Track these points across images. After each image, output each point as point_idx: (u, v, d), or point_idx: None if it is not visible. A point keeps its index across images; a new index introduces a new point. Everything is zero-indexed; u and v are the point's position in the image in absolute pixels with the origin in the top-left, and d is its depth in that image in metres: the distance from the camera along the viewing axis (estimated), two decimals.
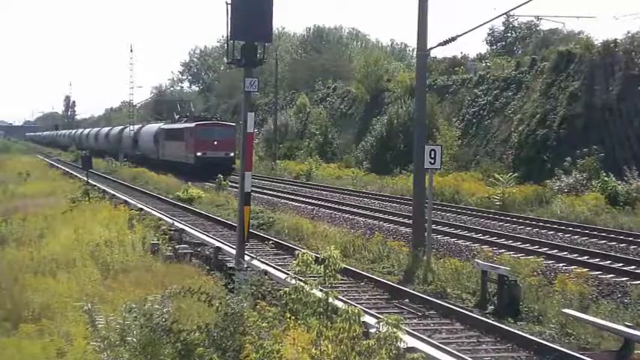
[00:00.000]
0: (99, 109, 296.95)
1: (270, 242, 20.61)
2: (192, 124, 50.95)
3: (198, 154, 48.52)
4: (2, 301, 12.36)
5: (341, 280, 16.24)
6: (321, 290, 8.32)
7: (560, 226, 24.76)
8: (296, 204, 32.10)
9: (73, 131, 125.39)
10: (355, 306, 8.97)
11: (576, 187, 30.63)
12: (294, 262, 8.52)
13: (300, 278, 8.37)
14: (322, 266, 8.23)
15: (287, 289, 8.45)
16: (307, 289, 8.23)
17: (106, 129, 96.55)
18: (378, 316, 10.61)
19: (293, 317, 8.03)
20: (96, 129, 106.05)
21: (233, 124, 53.59)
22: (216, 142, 48.63)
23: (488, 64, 51.35)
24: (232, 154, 48.85)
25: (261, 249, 20.24)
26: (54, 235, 17.97)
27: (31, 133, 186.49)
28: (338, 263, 8.26)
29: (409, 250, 18.10)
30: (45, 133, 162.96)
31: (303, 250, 8.76)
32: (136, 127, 76.87)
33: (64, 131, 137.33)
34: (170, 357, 7.99)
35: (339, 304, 8.88)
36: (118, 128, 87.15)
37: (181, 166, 51.17)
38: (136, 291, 10.98)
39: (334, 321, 7.73)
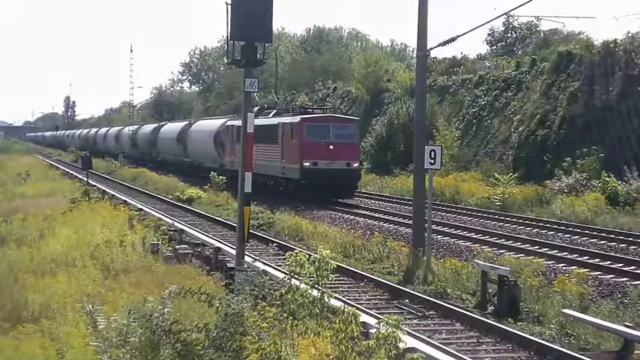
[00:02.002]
0: (99, 109, 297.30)
1: (275, 245, 20.58)
2: (296, 118, 34.06)
3: (306, 164, 32.19)
4: (2, 301, 12.36)
5: (341, 280, 16.32)
6: (318, 290, 8.32)
7: (560, 227, 24.74)
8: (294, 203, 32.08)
9: (78, 131, 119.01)
10: (354, 306, 9.00)
11: (576, 188, 30.62)
12: (287, 262, 8.52)
13: (297, 277, 8.37)
14: (314, 267, 8.22)
15: (282, 290, 8.45)
16: (302, 289, 8.22)
17: (117, 129, 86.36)
18: (378, 316, 10.61)
19: (291, 318, 8.04)
20: (104, 129, 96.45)
21: (356, 117, 38.57)
22: (332, 147, 32.55)
23: (498, 62, 51.29)
24: (356, 164, 33.73)
25: (261, 249, 20.24)
26: (54, 235, 17.96)
27: (32, 134, 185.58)
28: (330, 263, 8.25)
29: (409, 250, 18.10)
30: (47, 133, 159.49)
31: (296, 250, 8.77)
32: (150, 126, 69.49)
33: (69, 131, 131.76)
34: (170, 357, 7.99)
35: (337, 304, 8.88)
36: (129, 128, 78.20)
37: (265, 181, 35.75)
38: (136, 291, 10.97)
39: (332, 321, 7.73)
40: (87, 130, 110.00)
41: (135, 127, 76.28)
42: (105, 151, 78.32)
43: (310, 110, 36.71)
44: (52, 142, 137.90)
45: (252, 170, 39.45)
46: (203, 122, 53.38)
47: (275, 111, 39.27)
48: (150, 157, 64.58)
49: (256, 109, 42.97)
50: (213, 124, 48.04)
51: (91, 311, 8.71)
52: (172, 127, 59.56)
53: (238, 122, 43.03)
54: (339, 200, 33.11)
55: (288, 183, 34.17)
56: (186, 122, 57.31)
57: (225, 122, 44.74)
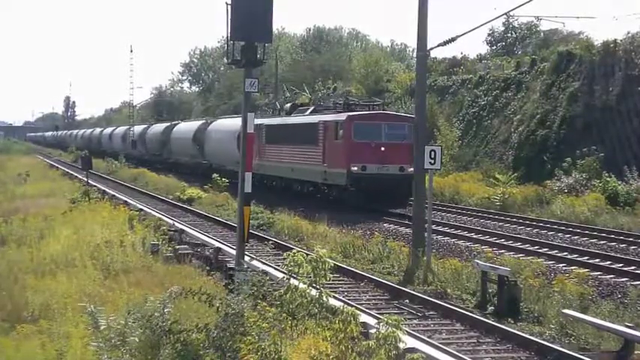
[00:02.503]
0: (99, 109, 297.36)
1: (270, 242, 20.60)
2: (341, 116, 29.66)
3: (354, 168, 28.16)
4: (2, 301, 12.36)
5: (341, 280, 16.32)
6: (316, 289, 8.32)
7: (560, 227, 24.75)
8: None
9: (81, 131, 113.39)
10: (354, 306, 8.99)
11: (576, 188, 30.63)
12: (285, 262, 8.52)
13: (295, 277, 8.37)
14: (310, 267, 8.21)
15: (281, 290, 8.45)
16: (300, 289, 8.22)
17: (124, 129, 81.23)
18: (378, 316, 10.61)
19: (290, 318, 8.04)
20: (110, 129, 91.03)
21: (410, 115, 31.48)
22: (383, 148, 28.54)
23: (500, 62, 51.28)
24: (411, 169, 24.99)
25: (261, 249, 20.25)
26: (54, 235, 17.97)
27: (33, 134, 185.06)
28: (327, 262, 8.25)
29: (409, 250, 18.10)
30: (48, 133, 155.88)
31: (294, 250, 8.77)
32: (160, 125, 65.12)
33: (70, 131, 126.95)
34: (170, 357, 7.99)
35: (336, 303, 8.88)
36: (137, 127, 73.80)
37: (302, 187, 33.12)
38: (136, 291, 10.98)
39: (332, 321, 7.73)
40: (90, 130, 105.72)
41: (144, 126, 72.63)
42: (111, 152, 75.01)
43: (356, 106, 31.54)
44: (53, 142, 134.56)
45: (280, 174, 33.20)
46: (224, 121, 48.15)
47: (312, 108, 35.03)
48: (160, 159, 60.82)
49: (288, 105, 39.80)
50: (237, 122, 39.78)
51: (93, 312, 8.71)
52: (187, 127, 55.09)
53: (268, 120, 38.69)
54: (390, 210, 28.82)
55: (331, 190, 30.51)
56: (203, 121, 52.84)
57: (264, 120, 40.03)
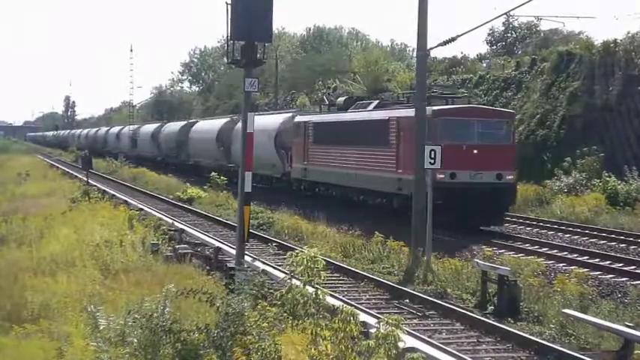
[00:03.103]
0: (99, 109, 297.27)
1: (274, 244, 20.55)
2: (427, 111, 21.81)
3: (440, 176, 22.30)
4: (2, 301, 12.36)
5: (341, 280, 16.33)
6: (313, 288, 8.32)
7: (560, 227, 24.74)
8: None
9: (85, 131, 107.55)
10: (354, 306, 8.99)
11: (576, 188, 30.63)
12: (287, 262, 8.53)
13: (296, 277, 8.38)
14: (303, 267, 8.22)
15: (282, 290, 8.47)
16: (298, 289, 8.24)
17: (133, 128, 75.30)
18: (378, 316, 10.62)
19: (291, 317, 8.05)
20: (117, 128, 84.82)
21: (510, 110, 29.27)
22: (477, 151, 23.64)
23: (501, 61, 51.31)
24: (511, 177, 24.02)
25: (261, 249, 20.26)
26: (54, 235, 17.97)
27: (33, 134, 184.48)
28: (319, 261, 8.26)
29: (409, 250, 18.09)
30: (49, 133, 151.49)
31: (297, 250, 8.77)
32: (176, 124, 59.16)
33: (73, 131, 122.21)
34: (170, 357, 8.00)
35: (336, 303, 8.89)
36: (152, 126, 67.47)
37: (367, 197, 27.71)
38: (136, 291, 10.98)
39: (332, 321, 7.74)
40: (95, 130, 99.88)
41: (156, 125, 67.07)
42: (118, 153, 70.40)
43: (434, 99, 25.41)
44: (54, 142, 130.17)
45: (334, 180, 27.04)
46: (258, 119, 41.80)
47: (377, 101, 30.08)
48: (177, 161, 55.39)
49: (341, 99, 33.55)
50: (273, 121, 37.79)
51: (93, 311, 8.72)
52: (209, 125, 49.27)
53: (315, 117, 33.09)
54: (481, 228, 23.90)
55: (408, 202, 22.61)
56: (228, 119, 47.20)
57: (294, 117, 35.49)
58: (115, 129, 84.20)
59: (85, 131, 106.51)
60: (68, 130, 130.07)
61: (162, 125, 63.76)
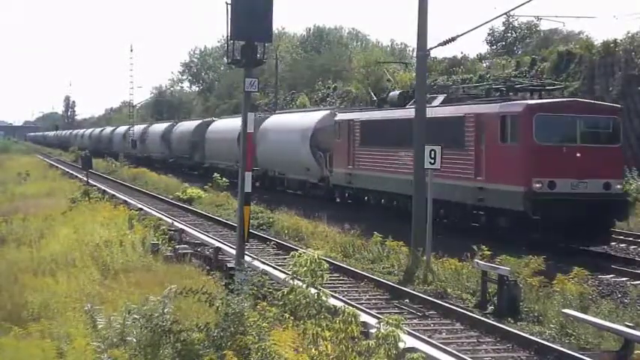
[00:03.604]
0: (99, 109, 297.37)
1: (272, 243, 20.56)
2: (514, 106, 20.62)
3: (537, 185, 19.25)
4: (2, 301, 12.36)
5: (341, 280, 16.32)
6: (315, 289, 8.33)
7: None
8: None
9: (88, 130, 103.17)
10: (355, 306, 8.98)
11: None
12: (291, 263, 8.53)
13: (298, 278, 8.39)
14: (306, 268, 8.23)
15: (283, 290, 8.47)
16: (300, 290, 8.25)
17: (141, 127, 71.11)
18: (378, 316, 10.62)
19: (292, 318, 8.06)
20: (123, 127, 79.69)
21: (617, 105, 25.42)
22: (580, 155, 19.78)
23: (502, 61, 51.36)
24: (620, 186, 20.70)
25: (261, 249, 20.25)
26: (54, 235, 17.99)
27: (34, 134, 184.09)
28: (324, 264, 8.27)
29: (409, 250, 18.08)
30: (50, 132, 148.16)
31: (300, 251, 8.77)
32: (191, 123, 55.45)
33: (75, 131, 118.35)
34: (170, 357, 8.00)
35: (337, 304, 8.89)
36: (162, 126, 63.36)
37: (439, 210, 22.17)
38: (136, 291, 10.98)
39: (333, 322, 7.75)
40: (100, 129, 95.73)
41: (167, 124, 63.17)
42: (124, 154, 67.88)
43: (520, 92, 22.06)
44: (55, 142, 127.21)
45: (389, 188, 22.72)
46: (287, 117, 39.07)
47: (444, 96, 25.03)
48: (191, 163, 51.90)
49: (395, 93, 28.77)
50: (307, 119, 34.23)
51: (91, 311, 8.72)
52: (229, 124, 44.29)
53: (363, 114, 28.69)
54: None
55: (496, 218, 20.65)
56: (200, 120, 45.39)
57: (333, 114, 31.78)
58: (122, 128, 79.85)
59: (89, 131, 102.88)
60: (70, 130, 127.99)
61: (174, 124, 59.63)
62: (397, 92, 29.37)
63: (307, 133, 32.36)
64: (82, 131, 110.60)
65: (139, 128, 71.93)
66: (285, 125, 36.35)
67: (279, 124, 37.45)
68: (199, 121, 53.15)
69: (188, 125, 55.21)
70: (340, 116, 30.60)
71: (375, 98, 31.47)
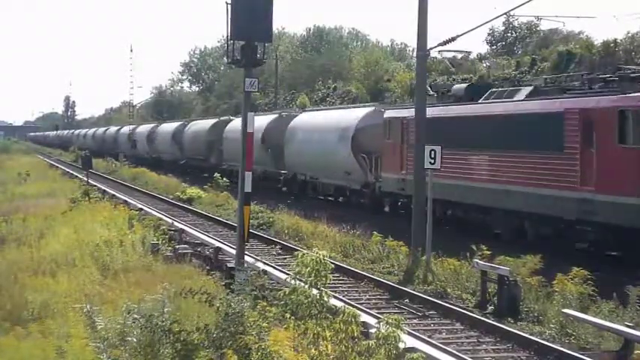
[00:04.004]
0: (99, 109, 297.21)
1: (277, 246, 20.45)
2: (631, 99, 16.64)
3: None
4: (2, 301, 12.37)
5: (341, 280, 16.31)
6: (318, 289, 8.33)
7: None
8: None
9: (91, 130, 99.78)
10: (355, 307, 8.98)
11: None
12: (294, 263, 8.53)
13: (300, 279, 8.39)
14: (309, 269, 8.22)
15: (285, 290, 8.47)
16: (302, 290, 8.25)
17: (149, 127, 66.70)
18: (379, 316, 10.62)
19: (293, 318, 8.05)
20: (129, 127, 76.11)
21: None
22: None
23: (509, 59, 51.40)
24: None
25: (261, 249, 20.26)
26: (54, 235, 17.99)
27: (34, 133, 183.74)
28: (328, 264, 8.26)
29: (409, 250, 18.08)
30: (52, 132, 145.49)
31: (304, 251, 8.76)
32: (206, 122, 51.05)
33: (77, 130, 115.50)
34: (170, 357, 8.00)
35: (337, 304, 8.89)
36: (173, 125, 58.93)
37: (509, 222, 20.52)
38: (135, 291, 10.98)
39: (333, 322, 7.75)
40: (104, 129, 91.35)
41: (177, 123, 58.99)
42: (131, 155, 65.56)
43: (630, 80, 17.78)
44: (56, 142, 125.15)
45: (459, 198, 19.99)
46: (321, 115, 35.23)
47: (531, 88, 21.19)
48: (206, 165, 47.42)
49: (461, 86, 25.48)
50: (348, 117, 30.32)
51: (89, 311, 8.72)
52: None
53: (410, 111, 22.38)
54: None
55: (602, 234, 17.54)
56: (276, 115, 39.13)
57: (380, 111, 28.23)
58: (127, 128, 76.08)
59: (92, 131, 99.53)
60: (72, 130, 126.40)
61: (186, 123, 55.61)
62: (463, 86, 25.84)
63: (348, 132, 28.67)
64: (84, 131, 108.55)
65: (145, 128, 68.64)
66: (320, 124, 32.35)
67: (312, 123, 33.47)
68: (216, 120, 49.76)
69: (203, 124, 50.93)
70: (390, 113, 26.67)
71: (431, 92, 25.36)
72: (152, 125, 67.74)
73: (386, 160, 26.23)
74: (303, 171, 33.18)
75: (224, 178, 37.04)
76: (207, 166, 46.60)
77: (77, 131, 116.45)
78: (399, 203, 25.95)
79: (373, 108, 30.03)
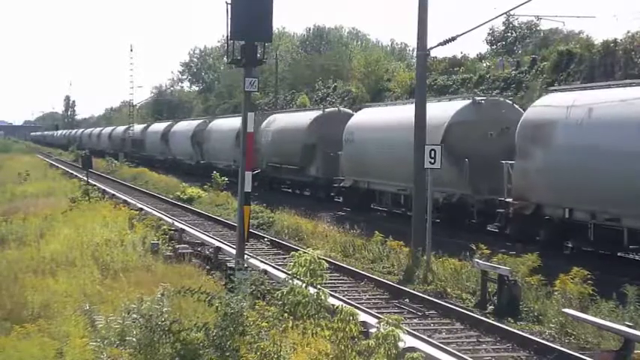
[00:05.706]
0: (99, 108, 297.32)
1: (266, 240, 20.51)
2: None
3: None
4: (2, 301, 12.36)
5: (341, 279, 16.33)
6: (315, 288, 8.34)
7: None
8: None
9: (96, 130, 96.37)
10: (354, 306, 8.97)
11: None
12: (291, 263, 8.53)
13: (298, 278, 8.40)
14: (305, 268, 8.24)
15: (282, 289, 8.48)
16: (299, 289, 8.26)
17: (163, 125, 61.86)
18: (378, 315, 10.62)
19: (292, 317, 8.06)
20: (139, 126, 71.57)
21: None
22: None
23: (511, 59, 51.44)
24: None
25: (261, 249, 20.25)
26: (54, 235, 17.97)
27: (35, 133, 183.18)
28: (322, 264, 8.28)
29: (409, 250, 18.08)
30: (55, 132, 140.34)
31: (301, 250, 8.77)
32: (228, 120, 45.46)
33: (80, 130, 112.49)
34: (169, 357, 8.00)
35: (336, 303, 8.89)
36: (192, 124, 53.24)
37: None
38: (136, 291, 10.98)
39: (332, 321, 7.75)
40: (111, 129, 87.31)
41: (198, 121, 52.45)
42: (142, 156, 62.94)
43: None
44: (58, 142, 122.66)
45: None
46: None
47: None
48: (237, 169, 41.15)
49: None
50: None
51: (89, 311, 8.72)
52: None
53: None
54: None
55: None
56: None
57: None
58: (138, 127, 71.88)
59: (97, 130, 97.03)
60: (75, 130, 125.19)
61: (207, 122, 49.71)
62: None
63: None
64: (88, 130, 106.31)
65: (157, 127, 65.18)
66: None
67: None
68: (238, 115, 38.16)
69: (229, 122, 44.02)
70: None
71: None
72: (166, 124, 62.22)
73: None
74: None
75: (223, 178, 35.86)
76: (229, 169, 38.61)
77: (79, 131, 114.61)
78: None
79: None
